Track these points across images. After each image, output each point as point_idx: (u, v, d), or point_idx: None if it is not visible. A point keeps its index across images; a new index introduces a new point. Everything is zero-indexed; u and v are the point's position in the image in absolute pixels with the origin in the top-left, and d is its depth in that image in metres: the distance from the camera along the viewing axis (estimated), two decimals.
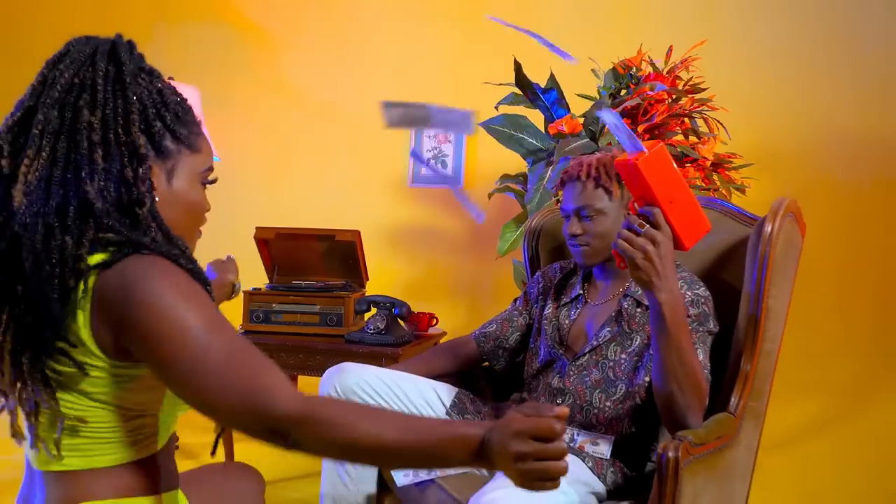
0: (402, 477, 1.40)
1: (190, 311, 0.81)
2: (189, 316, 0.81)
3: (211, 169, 0.96)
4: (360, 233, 2.48)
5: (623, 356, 1.44)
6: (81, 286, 0.82)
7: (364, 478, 1.50)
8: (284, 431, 0.81)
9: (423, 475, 1.38)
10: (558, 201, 2.44)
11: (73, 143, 0.84)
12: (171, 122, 0.90)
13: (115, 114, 0.85)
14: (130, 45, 0.91)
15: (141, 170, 0.85)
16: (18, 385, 0.85)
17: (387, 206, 3.57)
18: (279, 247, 2.57)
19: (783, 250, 1.39)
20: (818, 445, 2.94)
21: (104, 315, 0.82)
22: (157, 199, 0.88)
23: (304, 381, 2.63)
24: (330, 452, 0.91)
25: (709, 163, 2.54)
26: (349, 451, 0.84)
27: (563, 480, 1.22)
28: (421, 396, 1.53)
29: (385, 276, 3.07)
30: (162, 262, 0.84)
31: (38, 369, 0.84)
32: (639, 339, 1.44)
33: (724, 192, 2.56)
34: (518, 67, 2.47)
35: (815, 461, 2.81)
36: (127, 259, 0.83)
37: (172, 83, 2.45)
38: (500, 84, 2.63)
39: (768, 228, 1.36)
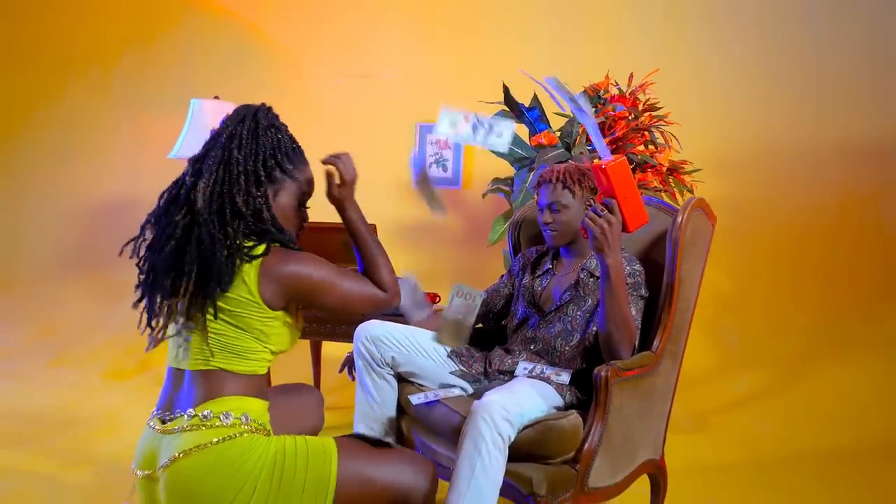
0: (415, 399, 1.89)
1: (323, 269, 1.40)
2: (325, 272, 1.40)
3: (306, 193, 1.48)
4: (375, 226, 2.95)
5: (579, 313, 1.95)
6: (251, 267, 1.34)
7: (387, 403, 2.00)
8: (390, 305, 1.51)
9: (432, 397, 1.88)
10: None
11: (228, 171, 1.36)
12: (281, 160, 1.41)
13: (250, 154, 1.37)
14: (268, 109, 1.43)
15: (259, 190, 1.38)
16: (191, 316, 1.35)
17: (395, 204, 4.00)
18: (308, 238, 3.01)
19: (691, 236, 1.89)
20: (767, 408, 3.35)
21: (268, 282, 1.35)
22: (272, 208, 1.40)
23: (329, 345, 3.12)
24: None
25: (665, 168, 3.01)
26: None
27: (537, 396, 1.72)
28: (430, 344, 2.02)
29: (395, 262, 3.51)
30: (295, 252, 1.38)
31: (205, 308, 1.34)
32: (590, 301, 1.94)
33: (677, 192, 3.05)
34: (506, 90, 2.97)
35: (763, 423, 3.23)
36: (274, 249, 1.36)
37: (218, 101, 3.15)
38: (492, 102, 3.09)
39: (679, 219, 1.87)
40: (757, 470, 2.74)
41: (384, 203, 3.98)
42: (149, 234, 1.40)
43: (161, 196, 1.41)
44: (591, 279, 1.96)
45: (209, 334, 1.36)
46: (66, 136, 4.67)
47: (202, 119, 3.06)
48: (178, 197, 1.38)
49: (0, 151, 4.74)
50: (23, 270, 4.60)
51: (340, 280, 1.42)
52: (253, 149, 1.38)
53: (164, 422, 1.37)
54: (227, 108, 3.13)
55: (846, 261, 3.70)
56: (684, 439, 3.01)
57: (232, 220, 1.35)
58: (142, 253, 1.40)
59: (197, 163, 1.39)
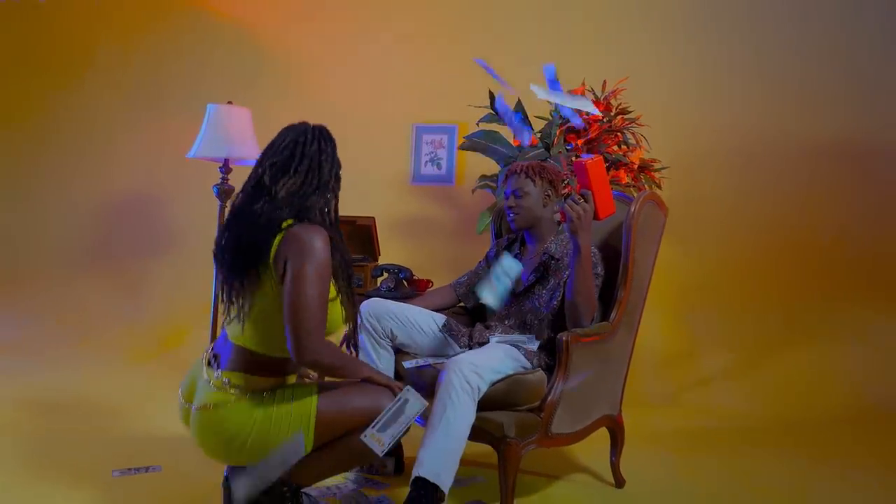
0: (408, 364, 2.21)
1: (316, 271, 1.58)
2: (315, 274, 1.58)
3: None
4: (375, 219, 3.25)
5: (544, 292, 2.26)
6: (276, 239, 1.61)
7: (387, 369, 2.30)
8: (305, 363, 1.62)
9: (422, 363, 2.21)
10: None
11: (316, 176, 1.70)
12: (339, 173, 1.75)
13: (331, 168, 1.72)
14: (324, 128, 1.76)
15: (328, 192, 1.71)
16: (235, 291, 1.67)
17: (393, 199, 4.32)
18: None
19: (644, 224, 2.21)
20: (731, 386, 3.66)
21: (282, 250, 1.60)
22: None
23: None
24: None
25: (636, 166, 3.34)
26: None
27: (504, 356, 2.04)
28: (423, 320, 2.34)
29: (393, 252, 3.82)
30: (317, 228, 1.63)
31: (244, 285, 1.65)
32: (553, 281, 2.25)
33: (647, 188, 3.37)
34: (492, 96, 3.28)
35: (726, 398, 3.55)
36: (300, 223, 1.64)
37: (231, 106, 3.59)
38: (480, 107, 3.41)
39: (632, 209, 2.19)
40: (715, 437, 3.06)
41: (383, 198, 4.29)
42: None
43: (237, 195, 1.74)
44: (553, 261, 2.28)
45: (243, 310, 1.66)
46: (87, 136, 4.94)
47: (217, 122, 3.37)
48: (257, 190, 1.70)
49: (24, 150, 5.02)
50: (44, 263, 4.86)
51: (319, 282, 1.58)
52: (332, 164, 1.73)
53: (209, 364, 1.72)
54: (240, 112, 3.45)
55: (806, 253, 3.96)
56: (652, 411, 3.33)
57: (299, 213, 1.66)
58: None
59: (274, 164, 1.70)
